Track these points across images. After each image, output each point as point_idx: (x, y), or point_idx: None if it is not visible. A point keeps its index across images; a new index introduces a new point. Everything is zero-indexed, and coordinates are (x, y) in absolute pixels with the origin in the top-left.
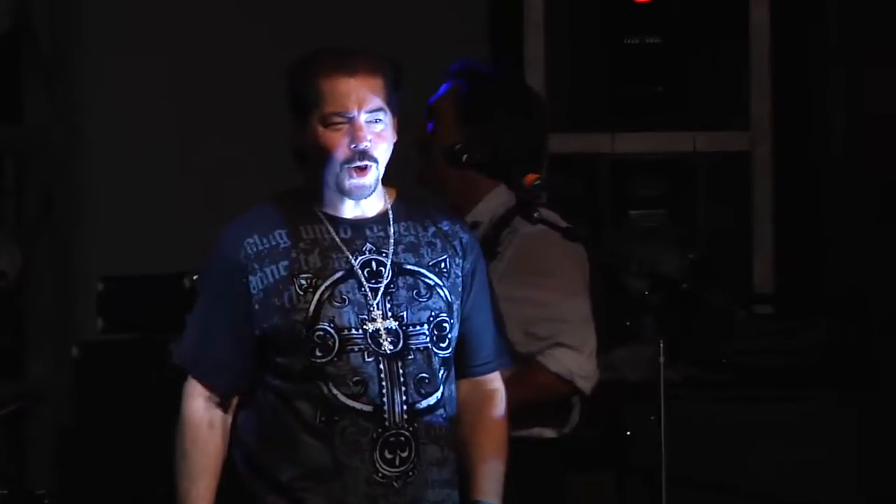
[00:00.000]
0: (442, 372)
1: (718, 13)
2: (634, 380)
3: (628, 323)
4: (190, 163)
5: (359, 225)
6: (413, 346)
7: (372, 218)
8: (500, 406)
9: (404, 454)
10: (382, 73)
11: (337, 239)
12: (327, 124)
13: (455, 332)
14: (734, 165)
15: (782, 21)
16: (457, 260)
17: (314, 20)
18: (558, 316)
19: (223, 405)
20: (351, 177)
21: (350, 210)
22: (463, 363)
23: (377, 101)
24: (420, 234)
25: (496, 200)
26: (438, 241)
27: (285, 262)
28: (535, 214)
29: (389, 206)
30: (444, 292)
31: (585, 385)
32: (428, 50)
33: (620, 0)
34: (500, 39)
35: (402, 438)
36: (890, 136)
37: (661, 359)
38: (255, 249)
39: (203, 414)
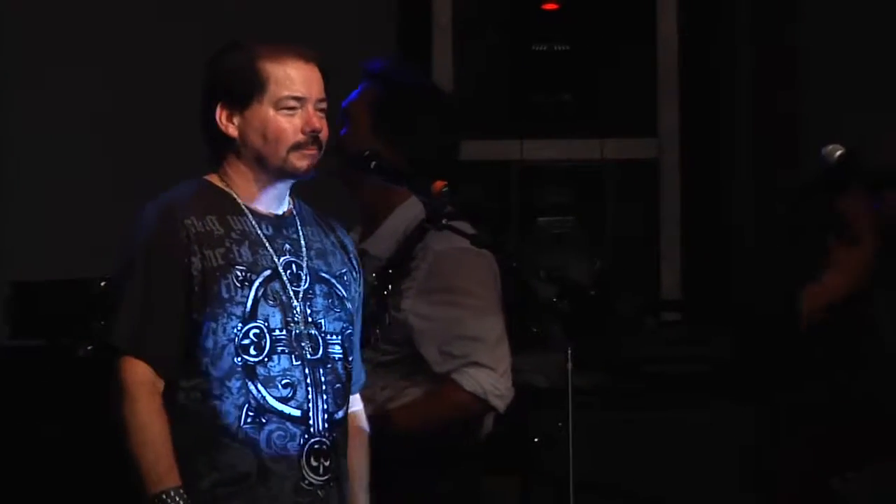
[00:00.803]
0: (348, 384)
1: (627, 21)
2: (542, 386)
3: (536, 329)
4: (101, 169)
5: (276, 223)
6: (331, 355)
7: (284, 217)
8: (364, 430)
9: (327, 463)
10: (317, 63)
11: (261, 234)
12: (279, 108)
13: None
14: (642, 173)
15: (690, 29)
16: (354, 274)
17: (219, 21)
18: (473, 335)
19: (161, 394)
20: (300, 159)
21: (267, 204)
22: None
23: (323, 92)
24: (324, 241)
25: (411, 211)
26: (339, 253)
27: (221, 250)
28: (444, 221)
29: (293, 207)
30: (349, 305)
31: (500, 403)
32: (335, 53)
33: (529, 6)
34: (408, 44)
35: (325, 447)
36: (796, 145)
37: (569, 365)
38: (194, 231)
39: (153, 393)
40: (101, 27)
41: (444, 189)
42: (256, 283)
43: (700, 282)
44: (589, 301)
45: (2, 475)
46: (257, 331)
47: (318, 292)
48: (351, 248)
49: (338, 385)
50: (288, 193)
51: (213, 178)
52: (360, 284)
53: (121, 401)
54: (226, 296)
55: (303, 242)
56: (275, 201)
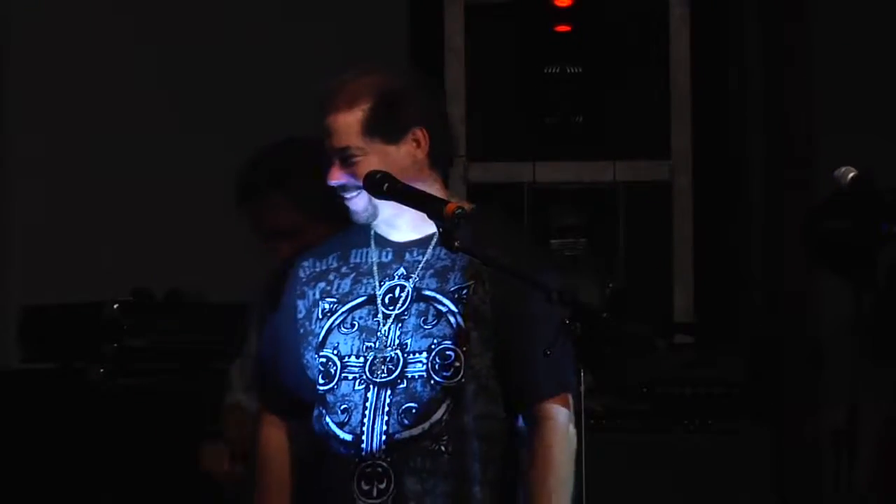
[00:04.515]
0: (446, 402)
1: (639, 43)
2: None
3: (548, 352)
4: (110, 193)
5: (400, 248)
6: (408, 374)
7: (416, 241)
8: (547, 436)
9: (381, 486)
10: (362, 104)
11: (375, 263)
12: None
13: (475, 361)
14: (655, 195)
15: (703, 52)
16: (485, 286)
17: (231, 44)
18: None
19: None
20: (346, 204)
21: (395, 233)
22: (510, 395)
23: (346, 141)
24: (457, 259)
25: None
26: (472, 267)
27: (322, 285)
28: (456, 243)
29: (446, 230)
30: (457, 319)
31: None
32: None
33: (541, 28)
34: (421, 66)
35: (380, 469)
36: (809, 167)
37: (582, 388)
38: (306, 273)
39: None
40: (110, 49)
41: (458, 211)
42: (339, 313)
43: (712, 304)
44: (601, 323)
45: (16, 498)
46: (324, 359)
47: (413, 312)
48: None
49: (409, 405)
50: (418, 221)
51: None
52: (502, 291)
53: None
54: (310, 329)
55: (422, 264)
56: (404, 229)
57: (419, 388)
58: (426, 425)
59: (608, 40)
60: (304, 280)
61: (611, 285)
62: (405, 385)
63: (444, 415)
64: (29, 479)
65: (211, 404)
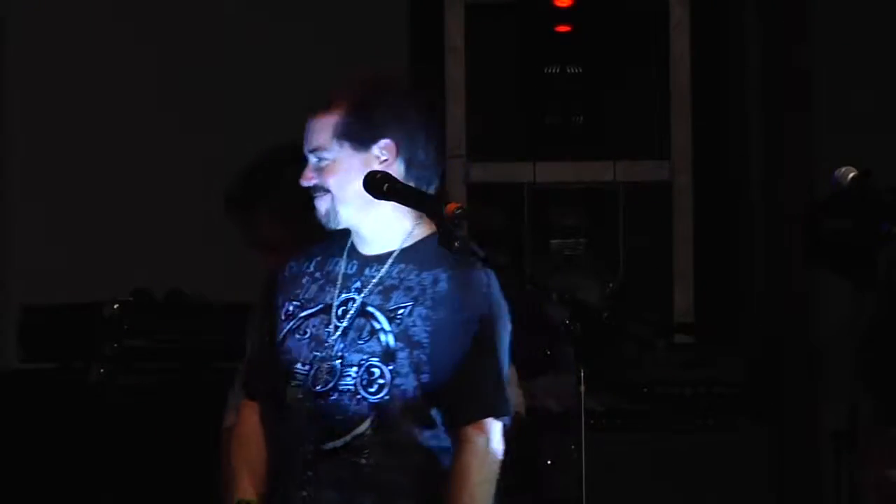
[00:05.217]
0: (370, 417)
1: (639, 43)
2: (555, 409)
3: (549, 352)
4: (111, 194)
5: (364, 262)
6: (340, 387)
7: (378, 256)
8: (463, 458)
9: (304, 493)
10: (338, 108)
11: (340, 273)
12: None
13: (402, 380)
14: (654, 195)
15: (703, 51)
16: (422, 309)
17: (239, 43)
18: None
19: None
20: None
21: (365, 246)
22: (441, 415)
23: (318, 141)
24: (409, 279)
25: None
26: (417, 288)
27: (293, 287)
28: (456, 244)
29: (403, 248)
30: (387, 337)
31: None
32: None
33: (541, 28)
34: (421, 66)
35: (305, 478)
36: (808, 167)
37: (582, 388)
38: (290, 272)
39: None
40: (111, 50)
41: (458, 210)
42: (297, 318)
43: (712, 304)
44: (601, 323)
45: (16, 498)
46: (282, 364)
47: (354, 326)
48: (438, 279)
49: (335, 417)
50: (388, 235)
51: None
52: (442, 313)
53: None
54: (277, 327)
55: (375, 280)
56: (369, 243)
57: (346, 402)
58: (348, 438)
59: (608, 40)
60: (287, 279)
61: (611, 285)
62: (336, 397)
63: (367, 430)
64: (29, 479)
65: (211, 404)
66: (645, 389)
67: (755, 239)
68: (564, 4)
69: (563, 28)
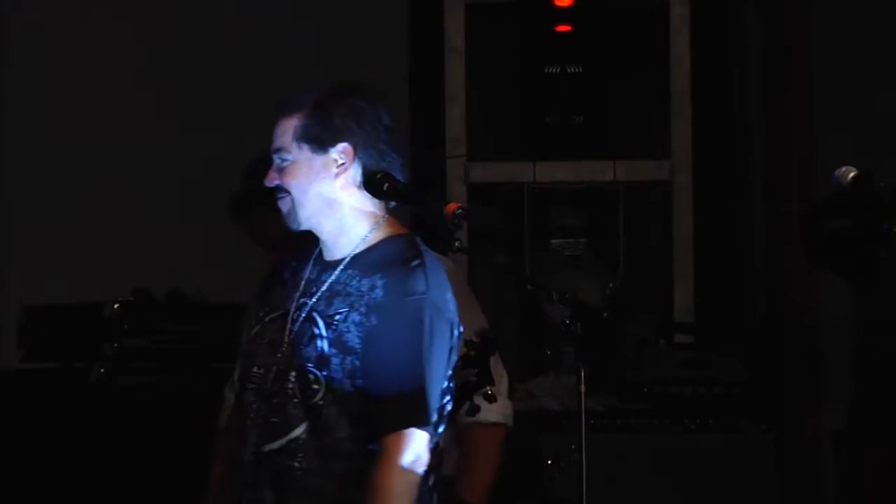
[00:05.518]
0: (306, 421)
1: (639, 42)
2: (555, 409)
3: (549, 352)
4: (111, 194)
5: (323, 268)
6: (283, 391)
7: (334, 262)
8: (379, 468)
9: (249, 494)
10: (299, 110)
11: (304, 279)
12: None
13: (336, 385)
14: (655, 194)
15: (703, 51)
16: (356, 315)
17: (239, 43)
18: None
19: None
20: None
21: (327, 252)
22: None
23: (279, 143)
24: (351, 285)
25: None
26: (354, 294)
27: (267, 291)
28: (457, 244)
29: (355, 254)
30: (323, 343)
31: (511, 423)
32: (347, 77)
33: (542, 28)
34: (421, 66)
35: (250, 480)
36: (809, 166)
37: (582, 388)
38: (269, 277)
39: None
40: (111, 50)
41: (458, 211)
42: (260, 323)
43: (712, 304)
44: (601, 323)
45: (16, 498)
46: (241, 368)
47: (299, 332)
48: (375, 286)
49: (274, 420)
50: (346, 241)
51: None
52: (375, 320)
53: None
54: (247, 335)
55: (324, 287)
56: (330, 248)
57: (285, 405)
58: (284, 441)
59: (608, 40)
60: (267, 283)
61: (611, 285)
62: (278, 401)
63: (302, 433)
64: (29, 479)
65: (210, 404)
66: (645, 389)
67: (755, 239)
68: (564, 4)
69: (563, 28)
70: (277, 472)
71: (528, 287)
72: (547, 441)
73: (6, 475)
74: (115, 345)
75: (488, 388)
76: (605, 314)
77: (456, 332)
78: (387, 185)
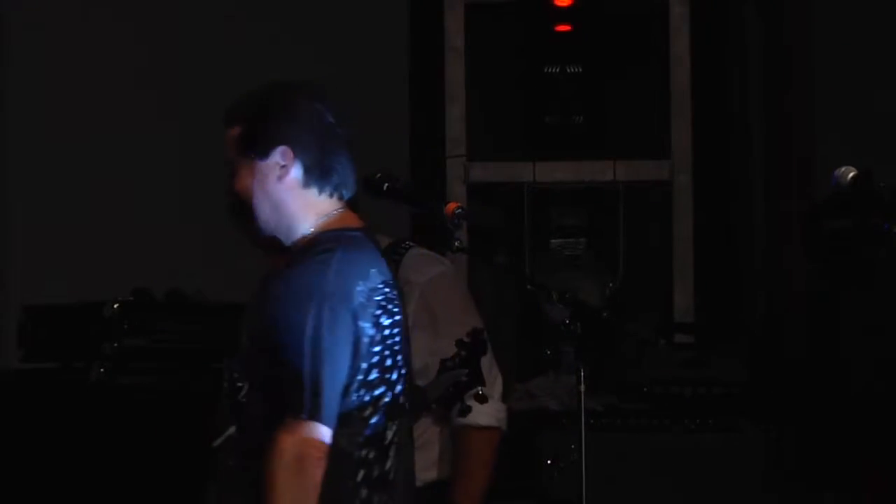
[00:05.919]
0: (236, 419)
1: (639, 42)
2: (555, 409)
3: (549, 351)
4: (110, 194)
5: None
6: (228, 389)
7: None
8: (268, 462)
9: (208, 484)
10: (239, 119)
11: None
12: None
13: (254, 382)
14: (655, 194)
15: (703, 50)
16: (254, 313)
17: (238, 43)
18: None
19: None
20: None
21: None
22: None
23: (227, 154)
24: (268, 287)
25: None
26: (263, 293)
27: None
28: (457, 243)
29: (292, 251)
30: (243, 339)
31: (505, 426)
32: (347, 76)
33: (541, 28)
34: (421, 66)
35: (212, 472)
36: (809, 166)
37: (582, 387)
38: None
39: None
40: (111, 50)
41: (458, 210)
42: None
43: (712, 304)
44: (601, 323)
45: (16, 498)
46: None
47: (242, 329)
48: (273, 277)
49: (221, 416)
50: (290, 238)
51: None
52: (267, 314)
53: None
54: None
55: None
56: (286, 249)
57: (224, 405)
58: (221, 440)
59: (608, 40)
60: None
61: (611, 285)
62: (224, 399)
63: (233, 432)
64: (29, 479)
65: (211, 404)
66: (645, 389)
67: (755, 239)
68: (564, 4)
69: (563, 28)
70: (218, 468)
71: (528, 287)
72: (547, 441)
73: (6, 475)
74: (115, 345)
75: (479, 388)
76: (605, 314)
77: (363, 325)
78: (386, 185)
